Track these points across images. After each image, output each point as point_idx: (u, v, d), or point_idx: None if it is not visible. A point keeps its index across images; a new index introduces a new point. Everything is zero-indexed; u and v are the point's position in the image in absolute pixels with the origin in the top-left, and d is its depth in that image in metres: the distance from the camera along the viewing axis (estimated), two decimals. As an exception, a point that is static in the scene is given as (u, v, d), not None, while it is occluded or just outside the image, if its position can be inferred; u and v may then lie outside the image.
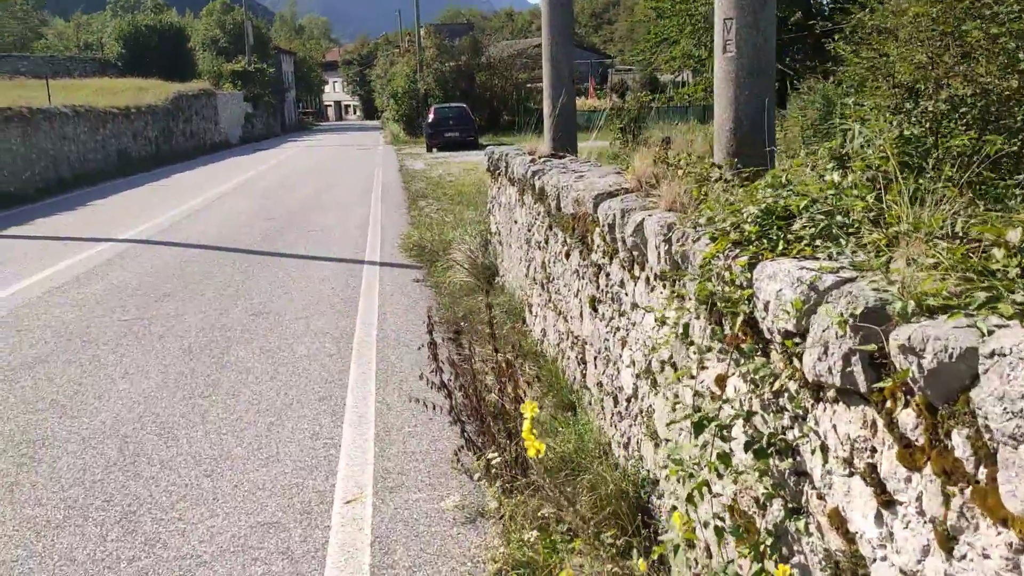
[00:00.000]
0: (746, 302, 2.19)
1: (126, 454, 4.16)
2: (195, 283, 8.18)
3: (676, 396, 2.73)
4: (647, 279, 3.27)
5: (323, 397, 4.91)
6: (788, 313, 1.98)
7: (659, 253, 2.98)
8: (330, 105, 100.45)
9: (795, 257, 2.17)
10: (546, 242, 5.28)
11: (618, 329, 3.74)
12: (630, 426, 3.62)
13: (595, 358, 4.16)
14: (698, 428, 2.20)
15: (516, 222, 6.53)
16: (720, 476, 2.22)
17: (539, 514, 3.31)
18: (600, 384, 4.07)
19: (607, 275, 3.85)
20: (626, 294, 3.57)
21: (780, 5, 30.48)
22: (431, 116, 29.57)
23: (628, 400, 3.62)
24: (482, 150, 28.32)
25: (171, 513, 3.55)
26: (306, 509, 3.55)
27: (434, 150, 28.75)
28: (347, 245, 10.36)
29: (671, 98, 38.61)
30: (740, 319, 2.18)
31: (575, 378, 4.65)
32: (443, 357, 3.89)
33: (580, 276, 4.39)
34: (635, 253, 3.33)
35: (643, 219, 3.20)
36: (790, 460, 2.09)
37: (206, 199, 15.94)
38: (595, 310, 4.10)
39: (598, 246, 3.95)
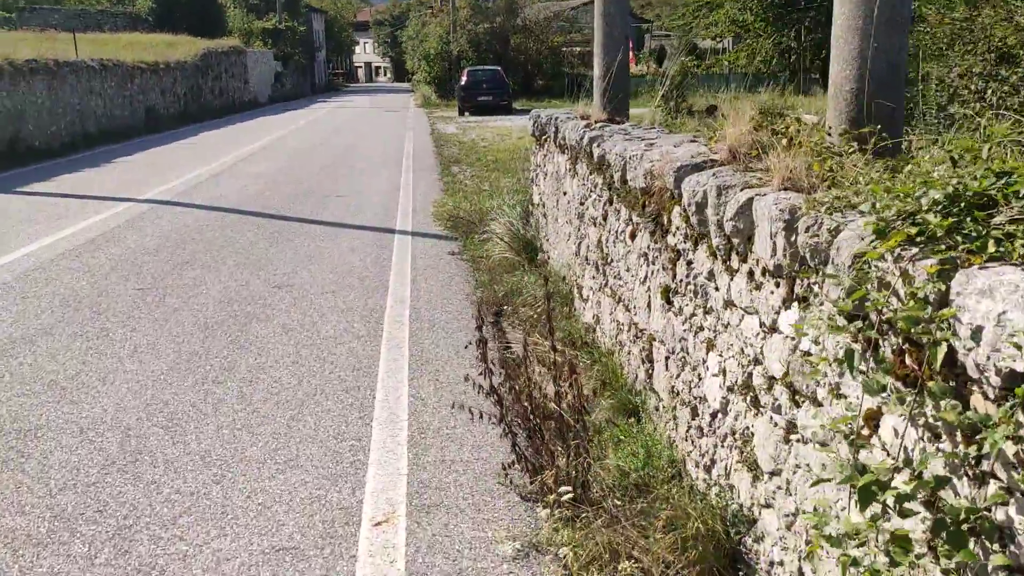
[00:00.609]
0: (943, 327, 1.57)
1: (127, 450, 3.65)
2: (216, 250, 7.66)
3: (823, 446, 2.13)
4: (750, 273, 2.66)
5: (350, 388, 4.37)
6: (1020, 348, 1.37)
7: (775, 244, 2.37)
8: (360, 66, 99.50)
9: (1017, 264, 1.56)
10: (604, 219, 4.66)
11: (701, 328, 3.14)
12: (715, 446, 3.03)
13: (667, 358, 3.57)
14: (866, 496, 1.60)
15: (565, 194, 5.91)
16: (895, 563, 1.62)
17: (608, 546, 2.76)
18: (673, 390, 3.47)
19: (688, 263, 3.24)
20: (716, 288, 2.96)
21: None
22: (464, 79, 28.78)
23: (714, 415, 3.02)
24: (516, 115, 27.63)
25: (172, 530, 3.03)
26: (329, 531, 3.01)
27: (466, 114, 28.02)
28: (377, 212, 9.79)
29: (712, 65, 37.40)
30: (941, 352, 1.56)
31: (636, 376, 4.07)
32: (493, 358, 3.29)
33: (649, 261, 3.78)
34: (735, 240, 2.72)
35: (751, 199, 2.58)
36: (1001, 553, 1.49)
37: (232, 159, 15.43)
38: (669, 302, 3.49)
39: (678, 228, 3.34)
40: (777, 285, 2.46)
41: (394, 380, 4.47)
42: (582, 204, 5.30)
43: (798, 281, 2.34)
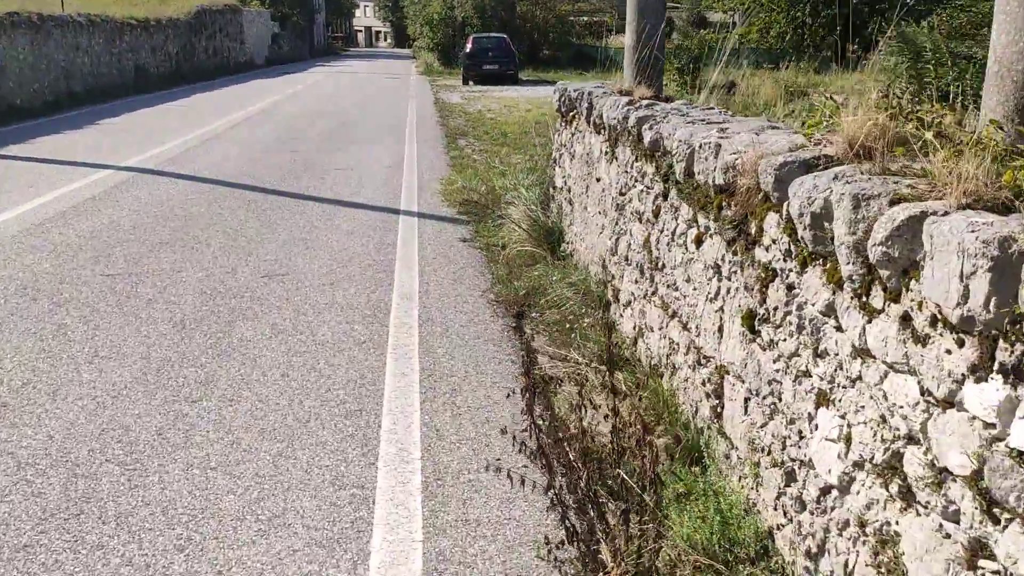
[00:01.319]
0: None
1: (72, 498, 2.94)
2: (200, 229, 6.91)
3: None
4: (904, 318, 1.94)
5: (350, 412, 3.66)
6: None
7: (969, 289, 1.65)
8: (360, 30, 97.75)
9: None
10: (655, 216, 3.93)
11: (806, 374, 2.43)
12: (825, 530, 2.33)
13: (746, 400, 2.86)
14: None
15: (599, 180, 5.16)
16: None
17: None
18: (755, 442, 2.77)
19: (789, 288, 2.52)
20: (837, 328, 2.24)
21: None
22: (469, 46, 27.81)
23: (825, 491, 2.33)
24: (523, 85, 26.69)
25: (118, 623, 2.34)
26: (322, 629, 2.32)
27: (470, 83, 27.08)
28: (380, 188, 9.03)
29: (723, 39, 36.19)
30: None
31: (697, 410, 3.36)
32: (539, 412, 2.60)
33: (723, 275, 3.06)
34: (883, 272, 1.99)
35: (916, 218, 1.86)
36: None
37: (225, 124, 14.59)
38: (753, 331, 2.78)
39: (774, 241, 2.61)
40: (960, 344, 1.75)
41: (402, 402, 3.76)
42: (622, 195, 4.56)
43: (1002, 344, 1.63)
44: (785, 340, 2.53)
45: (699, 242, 3.34)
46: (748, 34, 33.51)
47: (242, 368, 4.09)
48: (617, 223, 4.70)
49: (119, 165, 9.82)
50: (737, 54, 21.38)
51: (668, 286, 3.76)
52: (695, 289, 3.40)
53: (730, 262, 2.99)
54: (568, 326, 4.79)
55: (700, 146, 3.23)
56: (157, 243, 6.40)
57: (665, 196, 3.79)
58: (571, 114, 6.04)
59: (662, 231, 3.84)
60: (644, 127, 4.02)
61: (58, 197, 7.88)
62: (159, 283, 5.42)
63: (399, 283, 5.62)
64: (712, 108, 4.21)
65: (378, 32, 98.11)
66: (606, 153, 4.95)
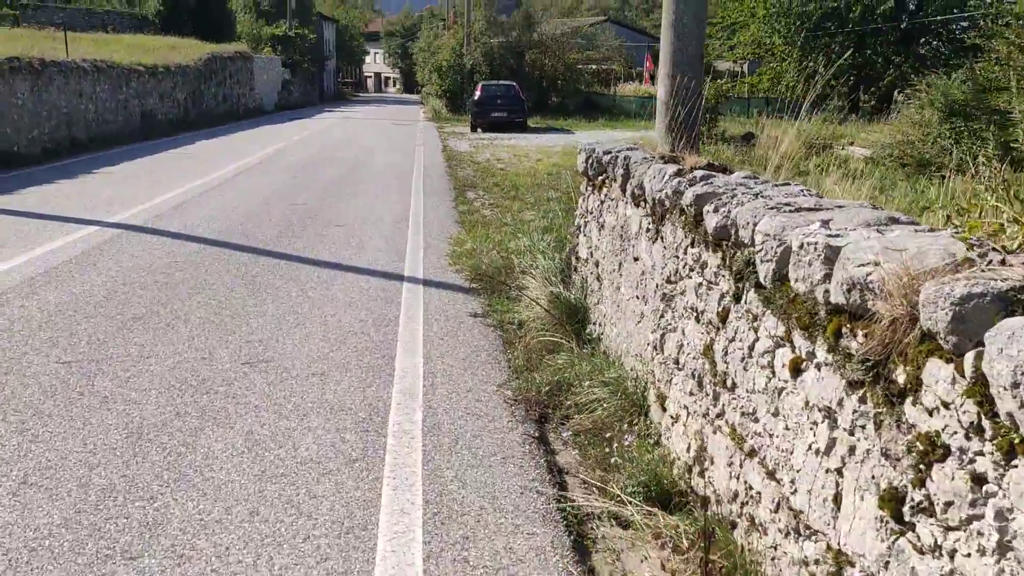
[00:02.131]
0: None
1: None
2: (180, 300, 6.13)
3: None
4: None
5: (332, 574, 2.83)
6: None
7: None
8: (370, 76, 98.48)
9: None
10: (722, 319, 3.13)
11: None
12: None
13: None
14: None
15: (637, 260, 4.39)
16: None
17: None
18: None
19: (975, 478, 1.70)
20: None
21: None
22: (478, 93, 27.37)
23: None
24: (532, 132, 26.18)
25: None
26: None
27: (479, 130, 26.59)
28: (383, 249, 8.27)
29: (733, 86, 36.01)
30: None
31: (790, 590, 2.53)
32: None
33: (839, 424, 2.25)
34: None
35: None
36: None
37: (226, 174, 13.94)
38: (901, 520, 1.95)
39: (946, 404, 1.80)
40: None
41: (400, 559, 2.92)
42: (671, 283, 3.78)
43: None
44: (971, 556, 1.71)
45: (796, 370, 2.53)
46: (759, 83, 33.11)
47: (201, 503, 3.26)
48: (663, 315, 3.91)
49: (106, 221, 9.10)
50: (748, 104, 20.69)
51: (743, 413, 2.95)
52: (787, 429, 2.59)
53: (856, 412, 2.18)
54: (603, 438, 3.97)
55: (802, 246, 2.43)
56: (129, 319, 5.62)
57: (737, 298, 3.00)
58: (600, 179, 5.29)
59: (732, 340, 3.04)
60: (707, 208, 3.24)
61: (30, 260, 7.13)
62: (121, 373, 4.62)
63: (401, 373, 4.81)
64: (789, 184, 3.43)
65: (387, 78, 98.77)
66: (647, 230, 4.17)
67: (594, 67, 40.10)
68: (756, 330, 2.83)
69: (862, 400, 2.14)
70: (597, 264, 5.36)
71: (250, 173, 14.24)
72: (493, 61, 35.85)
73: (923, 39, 29.43)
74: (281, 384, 4.57)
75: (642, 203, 4.27)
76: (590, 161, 5.41)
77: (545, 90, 36.35)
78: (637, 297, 4.40)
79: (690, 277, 3.53)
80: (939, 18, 28.88)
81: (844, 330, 2.24)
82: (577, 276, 5.96)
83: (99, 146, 17.96)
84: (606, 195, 5.12)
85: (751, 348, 2.88)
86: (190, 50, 29.94)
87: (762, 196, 3.13)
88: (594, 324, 5.40)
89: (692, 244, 3.49)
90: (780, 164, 13.86)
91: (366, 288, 6.72)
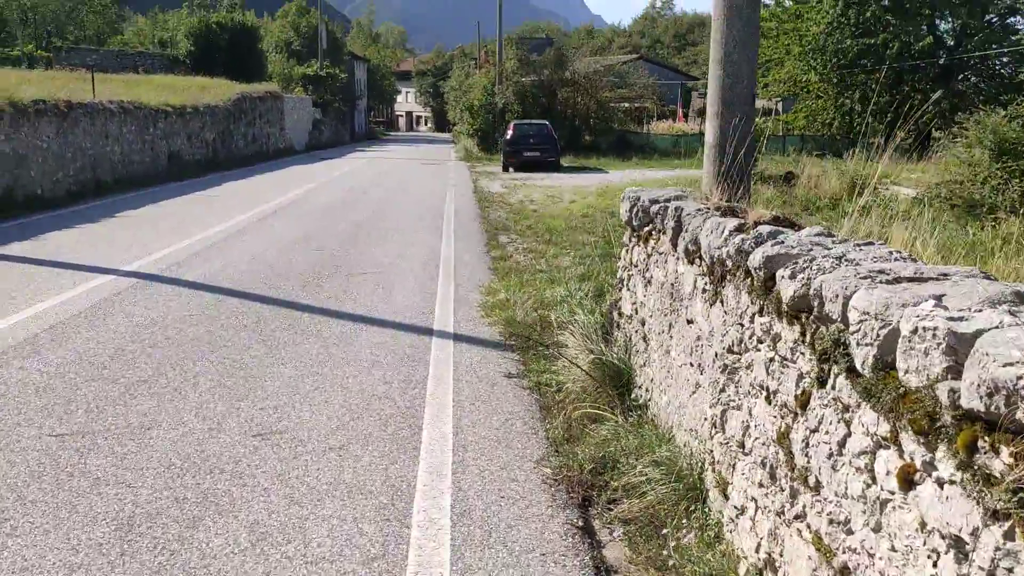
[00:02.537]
0: None
1: None
2: (191, 360, 5.73)
3: None
4: None
5: None
6: None
7: None
8: (401, 115, 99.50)
9: None
10: (802, 404, 2.62)
11: None
12: None
13: None
14: None
15: (691, 322, 3.89)
16: None
17: None
18: None
19: None
20: None
21: (904, 30, 27.28)
22: (510, 132, 27.15)
23: None
24: (564, 172, 25.84)
25: None
26: None
27: (511, 170, 26.32)
28: (412, 299, 7.84)
29: (768, 124, 35.56)
30: None
31: None
32: None
33: (973, 560, 1.73)
34: None
35: None
36: None
37: (250, 217, 13.69)
38: None
39: None
40: None
41: None
42: (735, 354, 3.27)
43: None
44: None
45: (908, 482, 2.01)
46: (794, 121, 32.56)
47: (192, 620, 2.79)
48: (723, 389, 3.40)
49: (121, 269, 8.79)
50: (784, 141, 20.12)
51: (832, 521, 2.42)
52: (895, 551, 2.06)
53: (999, 550, 1.66)
54: (656, 528, 3.45)
55: (915, 331, 1.93)
56: (134, 382, 5.21)
57: (822, 382, 2.49)
58: (646, 230, 4.81)
59: (815, 431, 2.53)
60: (781, 273, 2.75)
61: (36, 315, 6.79)
62: (118, 449, 4.19)
63: (428, 446, 4.33)
64: (873, 244, 2.93)
65: (419, 117, 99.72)
66: (704, 291, 3.68)
67: (627, 105, 39.87)
68: (848, 423, 2.32)
69: (1009, 536, 1.63)
70: (643, 322, 4.87)
71: (275, 217, 13.98)
72: (525, 100, 35.74)
73: (962, 75, 28.78)
74: (294, 461, 4.11)
75: (697, 260, 3.79)
76: (635, 210, 4.94)
77: (578, 129, 36.12)
78: (691, 364, 3.89)
79: (758, 350, 3.03)
80: (978, 54, 28.28)
81: (981, 443, 1.73)
82: (620, 333, 5.47)
83: (124, 188, 17.89)
84: (653, 248, 4.63)
85: (841, 444, 2.36)
86: (220, 90, 30.16)
87: (847, 260, 2.63)
88: (640, 388, 4.89)
89: (761, 312, 2.99)
90: (822, 205, 13.33)
91: (392, 344, 6.27)
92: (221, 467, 4.01)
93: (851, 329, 2.25)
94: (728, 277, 3.36)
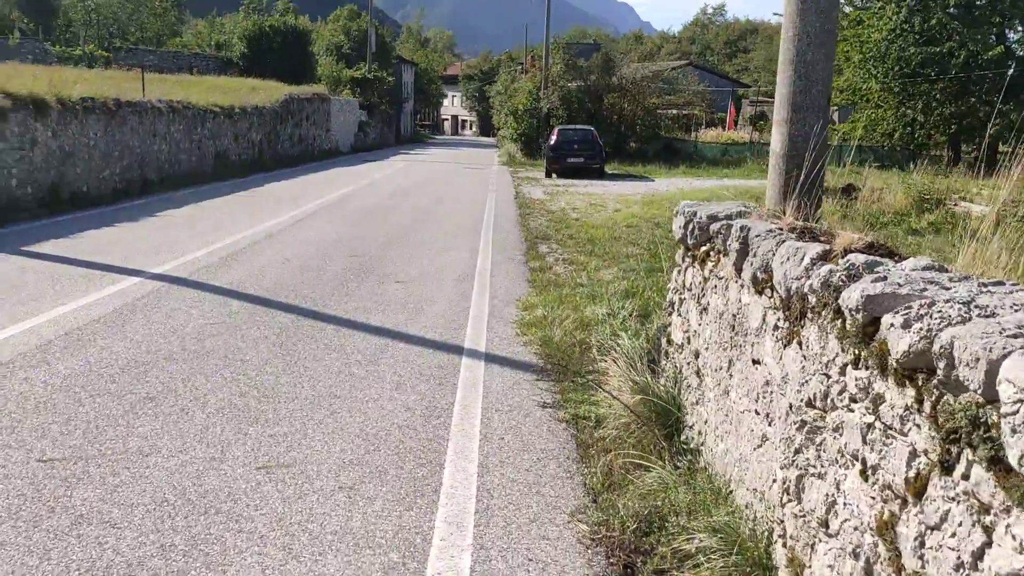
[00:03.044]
0: None
1: None
2: (204, 375, 5.33)
3: None
4: None
5: None
6: None
7: None
8: (447, 119, 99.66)
9: None
10: (916, 491, 2.07)
11: None
12: None
13: None
14: None
15: (758, 363, 3.35)
16: None
17: None
18: None
19: None
20: None
21: (971, 39, 26.12)
22: (554, 138, 26.64)
23: None
24: (609, 179, 25.22)
25: None
26: None
27: (553, 176, 25.81)
28: (443, 313, 7.39)
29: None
30: None
31: None
32: None
33: None
34: None
35: None
36: None
37: (288, 219, 13.39)
38: None
39: None
40: None
41: None
42: (817, 409, 2.73)
43: None
44: None
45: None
46: (852, 131, 31.41)
47: None
48: (800, 450, 2.86)
49: (150, 272, 8.48)
50: (841, 152, 19.23)
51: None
52: None
53: None
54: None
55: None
56: (140, 399, 4.82)
57: (947, 468, 1.94)
58: (703, 250, 4.27)
59: (935, 529, 1.98)
60: (890, 320, 2.20)
61: (55, 319, 6.48)
62: (110, 479, 3.79)
63: (449, 489, 3.85)
64: (1004, 283, 2.36)
65: (464, 121, 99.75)
66: (776, 328, 3.14)
67: (674, 112, 39.11)
68: (989, 531, 1.78)
69: None
70: (696, 354, 4.32)
71: (313, 219, 13.66)
72: (570, 105, 35.23)
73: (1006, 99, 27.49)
74: (299, 501, 3.66)
75: (768, 291, 3.25)
76: (690, 227, 4.40)
77: (623, 135, 35.49)
78: (756, 412, 3.35)
79: (850, 410, 2.48)
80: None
81: None
82: (669, 364, 4.92)
83: (170, 186, 17.77)
84: (711, 271, 4.09)
85: (978, 557, 1.82)
86: (269, 91, 30.17)
87: (977, 307, 2.08)
88: (691, 429, 4.34)
89: (857, 364, 2.45)
90: (887, 220, 12.47)
91: (419, 364, 5.81)
92: (218, 506, 3.57)
93: (1002, 409, 1.71)
94: (810, 315, 2.82)
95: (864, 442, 2.38)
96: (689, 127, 42.70)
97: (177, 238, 10.85)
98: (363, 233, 12.20)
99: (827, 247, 2.93)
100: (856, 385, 2.43)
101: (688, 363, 4.49)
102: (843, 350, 2.54)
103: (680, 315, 4.73)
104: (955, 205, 13.79)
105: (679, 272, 4.78)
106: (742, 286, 3.58)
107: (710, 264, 4.13)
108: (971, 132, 28.30)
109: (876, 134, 30.31)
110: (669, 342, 4.97)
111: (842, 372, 2.55)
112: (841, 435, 2.54)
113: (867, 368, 2.38)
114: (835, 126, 32.23)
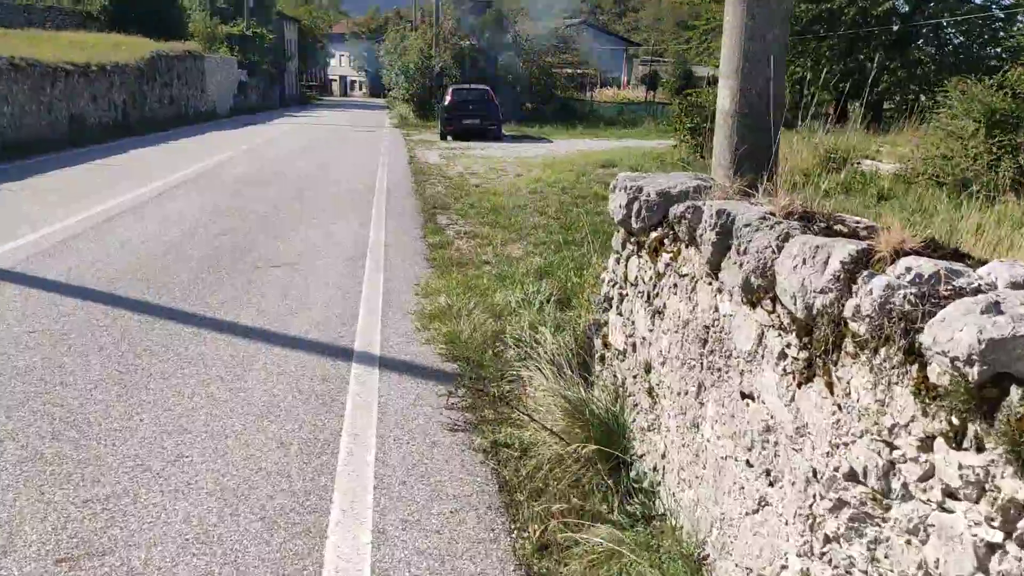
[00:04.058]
0: None
1: None
2: (4, 410, 4.08)
3: None
4: None
5: None
6: None
7: None
8: (335, 79, 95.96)
9: None
10: None
11: None
12: None
13: None
14: None
15: (750, 397, 2.45)
16: None
17: None
18: None
19: None
20: None
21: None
22: (448, 98, 25.32)
23: None
24: (507, 141, 24.18)
25: None
26: None
27: (449, 138, 24.58)
28: (329, 302, 6.27)
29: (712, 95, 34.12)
30: None
31: None
32: None
33: None
34: None
35: None
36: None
37: (152, 191, 11.80)
38: None
39: None
40: None
41: None
42: (866, 486, 1.85)
43: None
44: None
45: None
46: (742, 90, 31.29)
47: None
48: (835, 539, 1.97)
49: (-38, 262, 6.98)
50: None
51: None
52: None
53: None
54: None
55: None
56: (-96, 453, 3.56)
57: None
58: (655, 235, 3.34)
59: None
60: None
61: None
62: None
63: (332, 570, 2.83)
64: None
65: (353, 81, 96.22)
66: (783, 357, 2.24)
67: (570, 71, 38.30)
68: None
69: None
70: (648, 368, 3.41)
71: (181, 191, 12.10)
72: (464, 64, 33.86)
73: (914, 44, 27.96)
74: (115, 614, 2.57)
75: (768, 303, 2.34)
76: (634, 207, 3.45)
77: (519, 95, 34.43)
78: (748, 464, 2.47)
79: (945, 509, 1.60)
80: (930, 22, 27.46)
81: None
82: (606, 371, 4.02)
83: (16, 154, 15.63)
84: (669, 266, 3.17)
85: None
86: (134, 48, 27.63)
87: None
88: (641, 460, 3.45)
89: (960, 442, 1.56)
90: (797, 182, 11.75)
91: (298, 376, 4.71)
92: (-13, 637, 2.44)
93: None
94: (853, 349, 1.92)
95: (976, 558, 1.51)
96: (585, 86, 42.05)
97: (13, 216, 9.22)
98: (240, 206, 10.80)
99: (865, 246, 2.03)
100: (963, 476, 1.55)
101: (635, 376, 3.59)
102: (927, 414, 1.65)
103: (621, 315, 3.81)
104: (859, 164, 13.49)
105: (618, 261, 3.84)
106: (720, 291, 2.66)
107: (666, 256, 3.20)
108: (858, 89, 28.64)
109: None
110: (606, 345, 4.05)
111: (925, 447, 1.66)
112: (925, 543, 1.66)
113: (984, 451, 1.50)
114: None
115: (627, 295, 3.71)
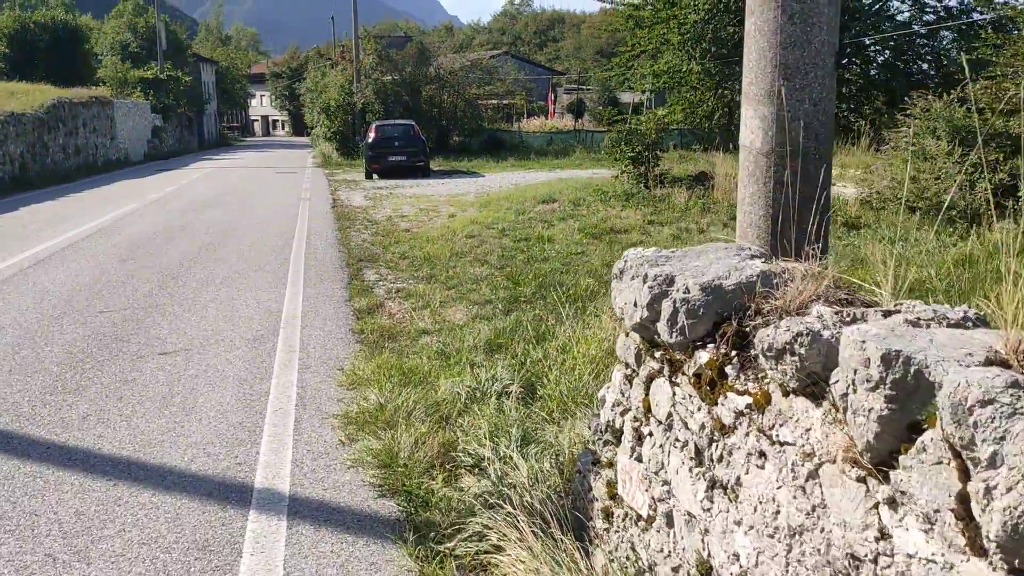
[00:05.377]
0: None
1: None
2: None
3: None
4: None
5: None
6: None
7: None
8: (257, 120, 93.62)
9: None
10: None
11: None
12: None
13: None
14: None
15: None
16: None
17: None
18: None
19: None
20: None
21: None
22: (372, 135, 23.94)
23: None
24: (435, 177, 22.83)
25: None
26: None
27: (375, 176, 23.19)
28: (226, 409, 4.84)
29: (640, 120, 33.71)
30: None
31: None
32: None
33: None
34: None
35: None
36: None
37: (22, 260, 10.11)
38: None
39: None
40: None
41: None
42: None
43: None
44: None
45: None
46: (671, 115, 30.69)
47: None
48: None
49: None
50: (661, 138, 17.68)
51: None
52: None
53: None
54: None
55: None
56: None
57: None
58: (706, 357, 2.08)
59: None
60: None
61: None
62: None
63: None
64: None
65: (275, 121, 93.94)
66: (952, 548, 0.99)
67: (495, 102, 37.39)
68: None
69: None
70: (708, 571, 2.13)
71: (66, 255, 10.45)
72: (387, 99, 32.53)
73: (845, 60, 27.84)
74: None
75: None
76: (667, 308, 2.17)
77: (445, 128, 33.28)
78: None
79: None
80: (856, 40, 27.38)
81: None
82: (615, 535, 2.72)
83: None
84: (747, 417, 1.91)
85: None
86: (34, 96, 25.59)
87: None
88: None
89: None
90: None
91: (167, 544, 3.29)
92: None
93: None
94: None
95: None
96: (512, 117, 41.19)
97: None
98: (131, 272, 9.24)
99: None
100: None
101: (676, 569, 2.29)
102: None
103: (639, 460, 2.53)
104: (822, 189, 12.60)
105: (630, 381, 2.56)
106: (893, 503, 1.41)
107: (737, 399, 1.93)
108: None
109: (696, 116, 29.79)
110: (612, 496, 2.76)
111: None
112: None
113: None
114: (653, 110, 31.51)
115: (651, 434, 2.43)
